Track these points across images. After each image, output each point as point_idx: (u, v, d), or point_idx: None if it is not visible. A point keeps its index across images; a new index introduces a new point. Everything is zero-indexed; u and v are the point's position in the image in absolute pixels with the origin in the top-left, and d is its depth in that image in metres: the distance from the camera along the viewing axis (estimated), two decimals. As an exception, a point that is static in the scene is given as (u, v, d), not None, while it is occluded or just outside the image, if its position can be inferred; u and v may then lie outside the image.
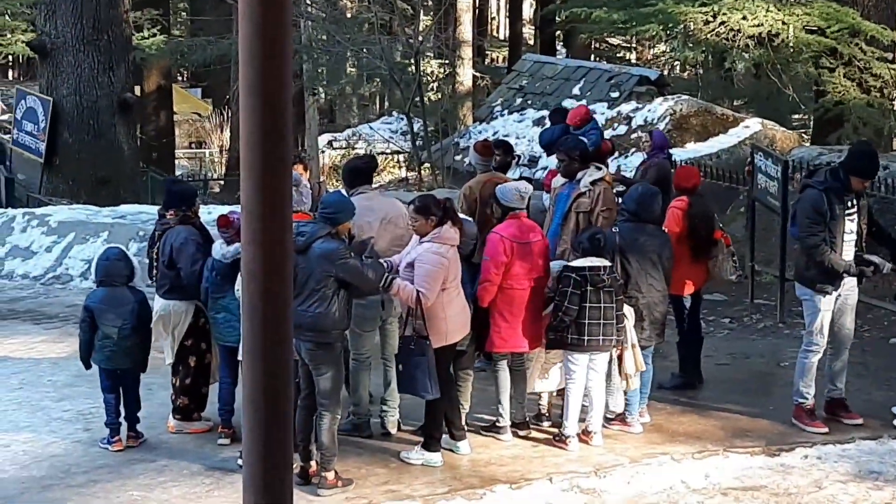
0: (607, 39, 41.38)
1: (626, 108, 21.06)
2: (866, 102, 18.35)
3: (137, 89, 27.27)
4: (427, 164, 23.50)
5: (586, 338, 9.16)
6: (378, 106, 43.73)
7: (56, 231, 17.53)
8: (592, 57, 37.01)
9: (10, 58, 45.55)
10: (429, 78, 30.68)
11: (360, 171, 9.80)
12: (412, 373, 8.65)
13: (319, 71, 27.69)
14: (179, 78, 45.49)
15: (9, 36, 32.14)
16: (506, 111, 23.57)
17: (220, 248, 9.28)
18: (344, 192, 9.58)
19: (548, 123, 15.98)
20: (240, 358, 8.36)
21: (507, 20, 48.01)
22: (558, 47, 39.15)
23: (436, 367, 8.61)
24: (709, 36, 18.98)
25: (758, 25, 18.55)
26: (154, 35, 30.34)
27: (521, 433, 9.60)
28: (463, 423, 9.32)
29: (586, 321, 9.13)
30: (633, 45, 44.69)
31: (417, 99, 23.60)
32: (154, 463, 9.07)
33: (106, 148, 22.55)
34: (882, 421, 9.95)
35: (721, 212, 15.13)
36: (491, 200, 9.88)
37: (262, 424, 3.14)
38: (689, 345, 10.98)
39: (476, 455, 9.19)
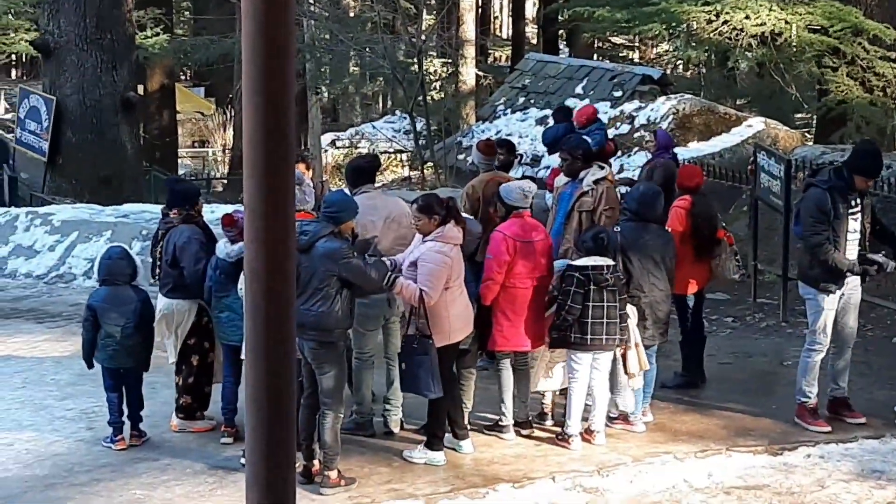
0: (610, 38, 41.40)
1: (628, 107, 21.07)
2: (869, 101, 18.35)
3: (140, 88, 27.27)
4: (430, 164, 23.51)
5: (589, 337, 9.16)
6: (381, 105, 43.73)
7: (59, 230, 17.54)
8: (595, 56, 37.02)
9: (14, 57, 45.59)
10: (432, 77, 30.67)
11: (363, 171, 9.80)
12: (415, 371, 8.66)
13: (322, 70, 27.71)
14: (182, 77, 45.50)
15: (12, 35, 32.21)
16: (508, 110, 23.59)
17: (224, 248, 9.28)
18: (347, 191, 9.59)
19: (551, 122, 16.00)
20: (243, 357, 8.38)
21: (510, 19, 48.04)
22: (561, 46, 39.13)
23: (439, 366, 8.62)
24: (712, 35, 18.98)
25: (761, 24, 18.54)
26: (157, 34, 30.37)
27: (524, 432, 9.60)
28: (466, 422, 9.32)
29: (589, 320, 9.13)
30: (636, 45, 44.67)
31: (420, 98, 23.60)
32: (157, 462, 9.08)
33: (109, 147, 22.55)
34: (885, 420, 9.95)
35: (724, 211, 15.14)
36: (494, 199, 9.87)
37: (265, 423, 3.14)
38: (691, 344, 10.98)
39: (479, 454, 9.19)
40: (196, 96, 40.51)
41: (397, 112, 35.18)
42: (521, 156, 18.78)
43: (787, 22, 18.49)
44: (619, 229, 9.80)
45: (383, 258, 8.96)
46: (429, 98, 25.66)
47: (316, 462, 8.61)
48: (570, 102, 20.34)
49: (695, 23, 19.05)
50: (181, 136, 36.28)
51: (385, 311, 9.53)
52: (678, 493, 8.59)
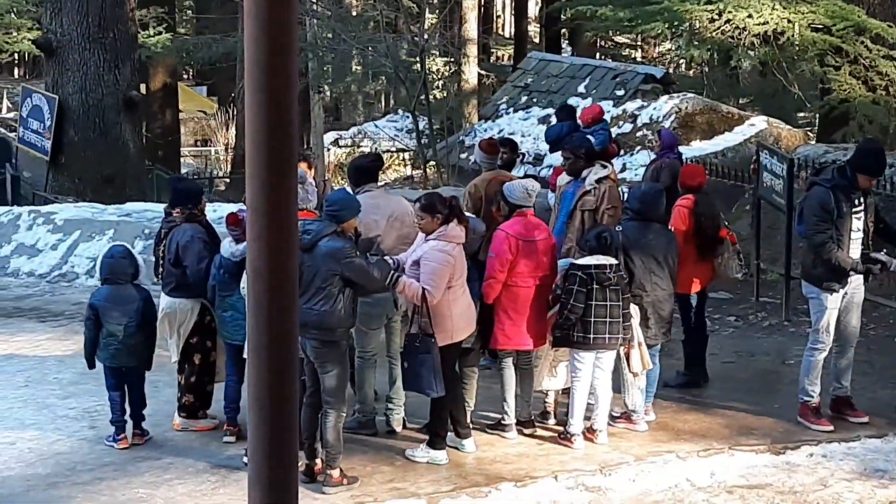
0: (613, 37, 41.39)
1: (631, 106, 21.07)
2: (872, 100, 18.33)
3: (143, 87, 27.31)
4: (432, 162, 23.50)
5: (592, 336, 9.16)
6: (383, 104, 43.73)
7: (62, 229, 17.55)
8: (598, 55, 37.04)
9: (16, 56, 45.65)
10: (434, 76, 30.67)
11: (365, 170, 9.80)
12: (417, 370, 8.66)
13: (325, 69, 27.71)
14: (185, 76, 45.51)
15: (14, 34, 32.23)
16: (511, 109, 23.58)
17: (228, 247, 9.27)
18: (350, 190, 9.59)
19: (554, 120, 15.99)
20: (245, 356, 8.37)
21: (513, 18, 48.03)
22: (564, 45, 39.13)
23: (441, 364, 8.61)
24: (714, 34, 18.96)
25: (763, 23, 18.53)
26: (160, 33, 30.39)
27: (527, 431, 9.60)
28: (468, 421, 9.32)
29: (592, 319, 9.13)
30: (639, 43, 44.67)
31: (423, 97, 23.59)
32: (160, 461, 9.08)
33: (111, 146, 22.57)
34: (887, 419, 9.95)
35: (726, 210, 15.13)
36: (497, 198, 9.87)
37: (268, 422, 3.14)
38: (694, 343, 10.98)
39: (481, 453, 9.19)
40: (198, 95, 40.54)
41: (400, 111, 35.18)
42: (524, 155, 18.79)
43: (789, 21, 18.47)
44: (621, 228, 9.80)
45: (386, 257, 8.97)
46: (431, 97, 25.63)
47: (318, 461, 8.61)
48: (572, 101, 20.33)
49: (697, 22, 19.02)
50: (183, 135, 36.28)
51: (388, 309, 9.53)
52: (680, 493, 8.58)
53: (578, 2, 23.12)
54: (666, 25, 19.74)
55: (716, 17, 18.71)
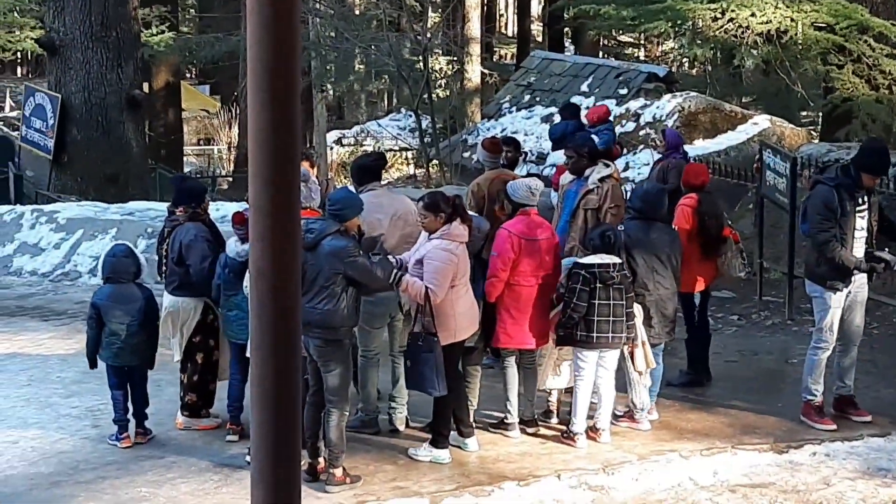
0: (616, 36, 41.37)
1: (634, 104, 21.06)
2: (875, 99, 18.31)
3: (146, 86, 27.32)
4: (435, 161, 23.50)
5: (595, 335, 9.15)
6: (386, 103, 43.73)
7: (65, 228, 17.57)
8: (601, 54, 37.03)
9: (19, 55, 45.66)
10: (437, 75, 30.66)
11: (368, 169, 9.79)
12: (420, 369, 8.65)
13: (328, 68, 27.69)
14: (188, 75, 45.49)
15: (17, 33, 32.23)
16: (514, 108, 23.58)
17: (234, 246, 9.26)
18: (352, 189, 9.58)
19: (557, 119, 16.00)
20: (248, 355, 8.37)
21: (516, 17, 48.00)
22: (567, 44, 39.13)
23: (444, 364, 8.61)
24: (717, 33, 18.95)
25: (766, 22, 18.51)
26: (162, 32, 30.39)
27: (530, 430, 9.60)
28: (471, 419, 9.32)
29: (595, 318, 9.12)
30: (642, 42, 44.66)
31: (426, 96, 23.59)
32: (162, 459, 9.08)
33: (114, 145, 22.58)
34: (890, 418, 9.94)
35: (730, 209, 15.12)
36: (500, 197, 9.87)
37: (271, 421, 3.14)
38: (697, 342, 10.97)
39: (484, 452, 9.19)
40: (201, 94, 40.51)
41: (402, 110, 35.15)
42: (526, 153, 18.79)
43: (792, 20, 18.46)
44: (623, 228, 9.80)
45: (389, 256, 8.96)
46: (434, 96, 25.65)
47: (321, 460, 8.61)
48: (575, 100, 20.34)
49: (700, 20, 19.01)
50: (186, 134, 36.31)
51: (391, 308, 9.53)
52: (683, 492, 8.58)
53: (581, 0, 23.11)
54: (669, 24, 19.74)
55: (719, 15, 18.70)
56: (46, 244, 17.43)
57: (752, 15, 18.53)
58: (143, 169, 24.14)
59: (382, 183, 10.06)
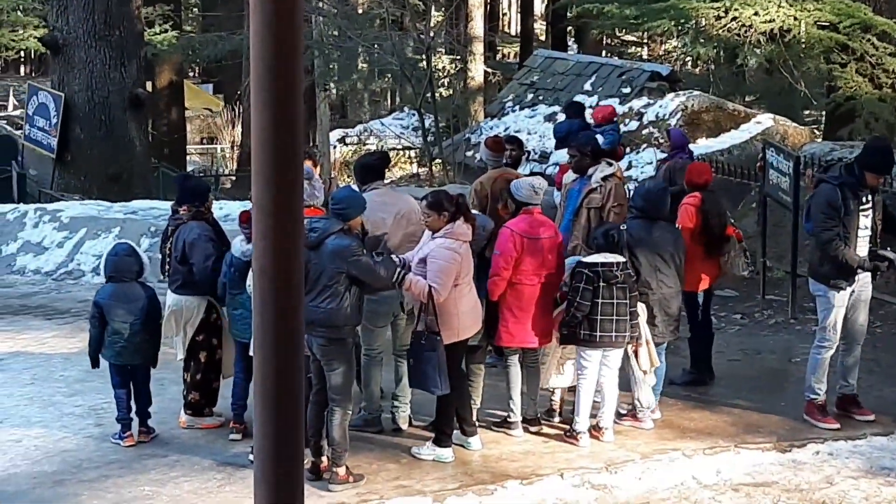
0: (619, 35, 41.32)
1: (637, 103, 21.04)
2: (878, 98, 18.29)
3: (149, 85, 27.31)
4: (438, 160, 23.49)
5: (598, 334, 9.15)
6: (389, 102, 43.73)
7: (68, 227, 17.57)
8: (604, 53, 36.99)
9: (22, 53, 45.69)
10: (440, 74, 30.64)
11: (371, 168, 9.79)
12: (423, 368, 8.65)
13: (331, 67, 27.67)
14: (191, 73, 45.54)
15: (21, 31, 32.25)
16: (517, 107, 23.55)
17: (239, 245, 9.25)
18: (356, 188, 9.58)
19: (561, 117, 15.99)
20: (251, 353, 8.37)
21: (519, 16, 47.97)
22: (570, 43, 39.09)
23: (447, 362, 8.61)
24: (720, 32, 18.93)
25: (769, 21, 18.49)
26: (166, 31, 30.40)
27: (533, 429, 9.60)
28: (474, 418, 9.32)
29: (598, 317, 9.12)
30: (645, 41, 44.60)
31: (429, 95, 23.58)
32: (165, 458, 9.09)
33: (117, 143, 22.58)
34: (894, 417, 9.94)
35: (733, 208, 15.12)
36: (503, 196, 9.87)
37: (274, 420, 3.14)
38: (700, 341, 10.97)
39: (487, 451, 9.19)
40: (204, 93, 40.52)
41: (406, 109, 35.14)
42: (529, 152, 18.78)
43: (795, 18, 18.44)
44: (625, 227, 9.79)
45: (392, 255, 8.96)
46: (437, 95, 25.63)
47: (324, 458, 8.61)
48: (578, 99, 20.32)
49: (703, 19, 18.98)
50: (189, 133, 36.30)
51: (394, 307, 9.53)
52: (686, 490, 8.58)
53: (585, -1, 23.11)
54: (672, 23, 19.71)
55: (722, 14, 18.68)
56: (50, 243, 17.43)
57: (756, 14, 18.51)
58: (147, 168, 24.13)
59: (386, 182, 10.06)
